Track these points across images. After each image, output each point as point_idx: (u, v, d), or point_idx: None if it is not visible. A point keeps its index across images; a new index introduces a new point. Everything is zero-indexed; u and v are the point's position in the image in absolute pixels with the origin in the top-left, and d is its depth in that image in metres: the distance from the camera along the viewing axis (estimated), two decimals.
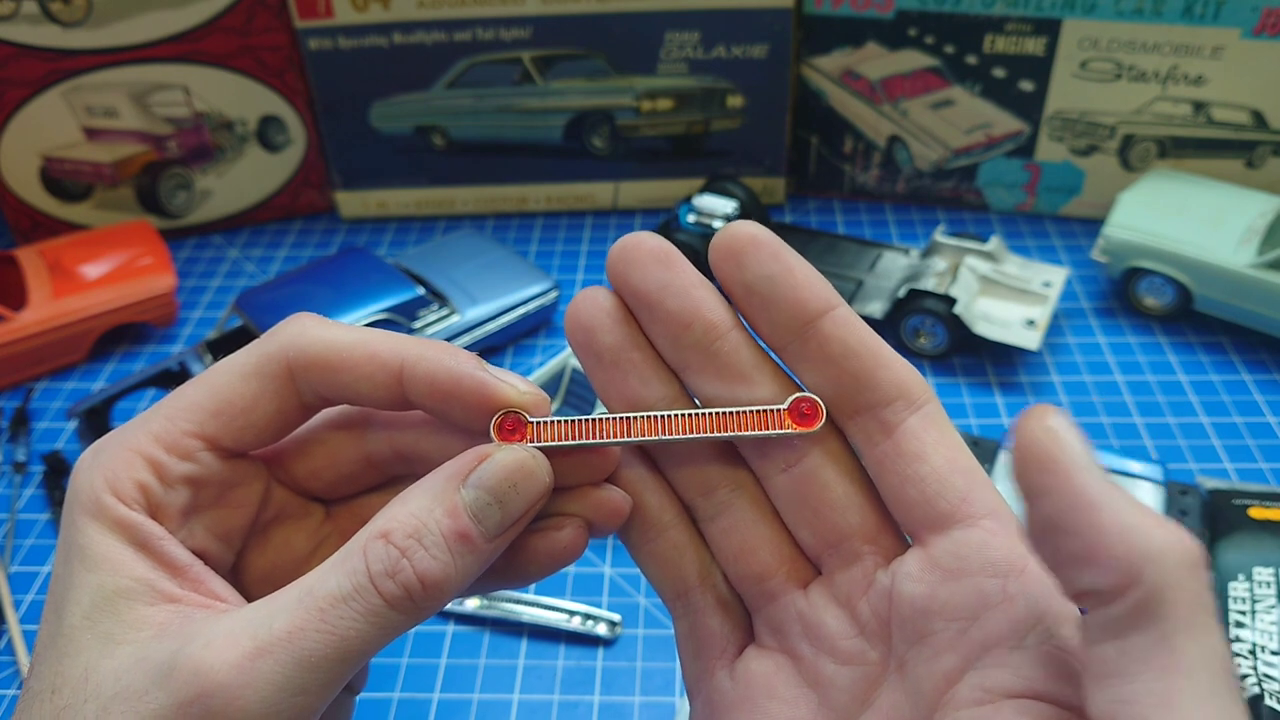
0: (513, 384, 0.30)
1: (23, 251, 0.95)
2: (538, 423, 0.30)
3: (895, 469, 0.29)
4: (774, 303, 0.30)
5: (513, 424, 0.30)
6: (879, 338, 0.30)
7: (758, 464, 0.32)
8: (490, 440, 0.30)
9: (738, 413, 0.31)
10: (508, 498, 0.29)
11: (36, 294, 0.91)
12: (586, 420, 0.31)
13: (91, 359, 0.94)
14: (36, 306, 0.90)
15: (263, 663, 0.26)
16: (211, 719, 0.26)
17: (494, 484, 0.29)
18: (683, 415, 0.31)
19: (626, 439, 0.31)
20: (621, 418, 0.31)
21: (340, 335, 0.30)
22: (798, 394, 0.30)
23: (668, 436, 0.31)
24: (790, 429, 0.30)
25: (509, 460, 0.29)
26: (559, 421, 0.31)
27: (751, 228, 0.30)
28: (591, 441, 0.31)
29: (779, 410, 0.30)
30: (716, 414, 0.31)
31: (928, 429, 0.29)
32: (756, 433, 0.31)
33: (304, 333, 0.31)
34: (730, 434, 0.31)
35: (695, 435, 0.31)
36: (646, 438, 0.31)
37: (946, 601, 0.28)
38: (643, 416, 0.31)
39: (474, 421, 0.30)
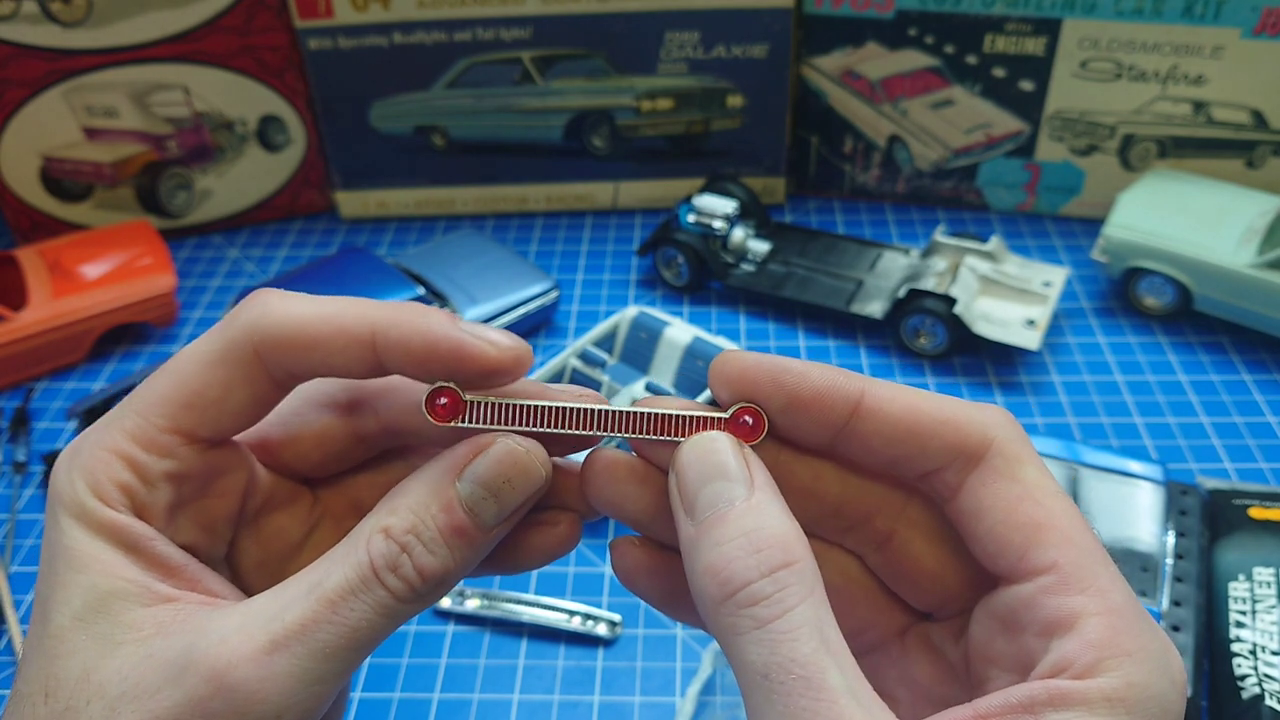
0: (491, 340, 0.29)
1: (23, 251, 0.95)
2: (472, 402, 0.29)
3: (962, 526, 0.29)
4: (799, 426, 0.29)
5: (446, 401, 0.29)
6: (919, 399, 0.29)
7: (851, 542, 0.32)
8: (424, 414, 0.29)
9: (680, 417, 0.29)
10: (502, 492, 0.29)
11: (36, 294, 0.91)
12: (521, 406, 0.29)
13: (91, 359, 0.94)
14: (36, 306, 0.90)
15: (280, 656, 0.26)
16: (232, 715, 0.26)
17: (489, 479, 0.29)
18: (625, 412, 0.30)
19: (560, 429, 0.30)
20: (563, 408, 0.30)
21: (305, 310, 0.29)
22: (741, 404, 0.29)
23: (605, 433, 0.30)
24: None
25: (503, 454, 0.29)
26: (492, 404, 0.29)
27: (736, 364, 0.29)
28: (520, 429, 0.29)
29: (720, 418, 0.29)
30: (659, 415, 0.29)
31: (986, 484, 0.28)
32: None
33: (267, 313, 0.29)
34: (669, 437, 0.29)
35: (633, 435, 0.30)
36: (583, 431, 0.30)
37: (1001, 653, 0.28)
38: (587, 409, 0.30)
39: (456, 382, 0.30)
